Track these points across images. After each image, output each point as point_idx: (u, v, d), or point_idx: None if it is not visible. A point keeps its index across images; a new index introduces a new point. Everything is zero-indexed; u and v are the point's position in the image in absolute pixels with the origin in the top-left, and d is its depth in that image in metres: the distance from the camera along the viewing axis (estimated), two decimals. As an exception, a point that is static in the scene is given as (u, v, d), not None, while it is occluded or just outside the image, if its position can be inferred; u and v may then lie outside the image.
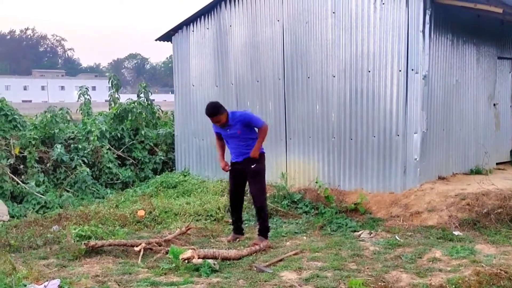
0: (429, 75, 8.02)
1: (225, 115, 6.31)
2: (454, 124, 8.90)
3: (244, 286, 4.79)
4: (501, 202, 6.99)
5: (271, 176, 9.44)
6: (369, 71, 8.31)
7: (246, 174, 6.56)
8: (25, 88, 69.63)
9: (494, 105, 9.93)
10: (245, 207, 7.42)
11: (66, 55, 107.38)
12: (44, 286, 4.61)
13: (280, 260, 5.67)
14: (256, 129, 6.47)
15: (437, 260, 5.56)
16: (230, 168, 6.60)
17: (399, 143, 8.08)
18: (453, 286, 4.55)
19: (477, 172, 9.20)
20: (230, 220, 7.13)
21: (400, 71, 7.98)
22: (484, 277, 4.72)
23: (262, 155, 6.60)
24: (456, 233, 6.61)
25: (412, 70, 7.89)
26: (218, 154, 6.76)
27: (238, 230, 6.92)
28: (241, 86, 10.11)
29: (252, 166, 6.46)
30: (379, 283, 4.68)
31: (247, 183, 6.69)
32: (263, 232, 6.54)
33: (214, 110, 6.30)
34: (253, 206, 7.06)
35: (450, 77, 8.67)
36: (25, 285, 4.34)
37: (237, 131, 6.39)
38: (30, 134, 10.34)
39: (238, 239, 6.75)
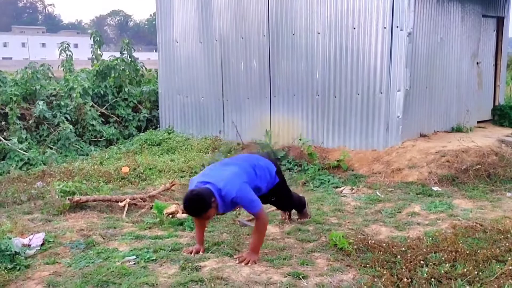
0: (414, 32, 8.01)
1: (215, 201, 4.20)
2: (437, 82, 8.96)
3: (228, 239, 4.88)
4: (480, 158, 7.15)
5: (256, 133, 9.50)
6: (354, 28, 8.27)
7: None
8: (5, 45, 67.91)
9: (477, 63, 9.99)
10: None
11: (47, 11, 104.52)
12: (29, 239, 4.66)
13: (263, 215, 5.75)
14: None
15: (416, 214, 5.72)
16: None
17: (382, 100, 8.13)
18: (430, 238, 4.68)
19: (458, 130, 9.34)
20: None
21: (385, 28, 7.95)
22: (460, 230, 4.87)
23: (277, 184, 4.92)
24: (435, 188, 6.76)
25: (397, 27, 7.86)
26: (197, 233, 4.63)
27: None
28: (226, 43, 9.99)
29: (272, 199, 5.06)
30: (359, 236, 4.80)
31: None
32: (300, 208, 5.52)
33: (198, 210, 4.21)
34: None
35: (434, 35, 8.66)
36: (10, 239, 4.37)
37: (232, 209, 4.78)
38: (11, 91, 10.17)
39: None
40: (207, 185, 4.24)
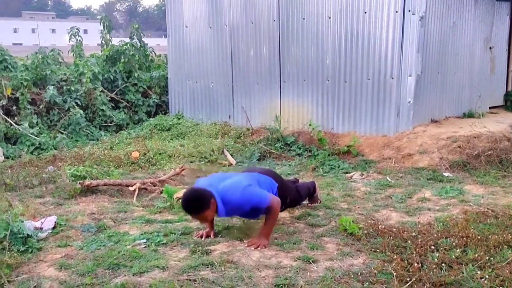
0: (426, 16, 7.90)
1: (214, 203, 4.16)
2: (449, 67, 8.86)
3: (238, 224, 4.89)
4: (492, 144, 7.08)
5: (265, 119, 9.48)
6: (365, 12, 8.17)
7: None
8: (15, 31, 68.10)
9: (490, 48, 9.86)
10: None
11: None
12: (41, 222, 4.70)
13: (273, 200, 5.74)
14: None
15: (427, 200, 5.68)
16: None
17: (393, 86, 8.06)
18: (441, 223, 4.66)
19: (470, 115, 9.25)
20: None
21: (396, 12, 7.85)
22: (471, 216, 4.84)
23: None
24: (446, 174, 6.72)
25: (409, 11, 7.75)
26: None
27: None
28: (235, 28, 9.93)
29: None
30: (369, 221, 4.79)
31: None
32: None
33: (195, 208, 4.18)
34: None
35: (447, 19, 8.54)
36: (22, 221, 4.41)
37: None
38: (22, 76, 10.22)
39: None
40: (209, 187, 4.25)
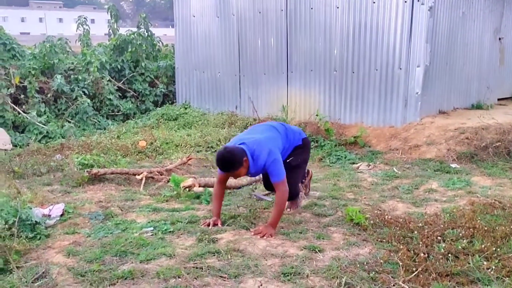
0: (435, 6, 7.84)
1: (247, 161, 4.33)
2: (458, 58, 8.80)
3: (244, 213, 4.90)
4: (500, 136, 7.04)
5: (272, 109, 9.48)
6: (374, 2, 8.11)
7: None
8: (22, 20, 68.17)
9: (500, 39, 9.77)
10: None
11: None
12: (49, 209, 4.74)
13: (279, 189, 5.75)
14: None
15: (434, 191, 5.67)
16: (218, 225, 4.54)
17: (401, 76, 8.02)
18: (448, 214, 4.65)
19: (478, 107, 9.21)
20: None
21: (405, 2, 7.79)
22: (478, 207, 4.82)
23: (299, 147, 4.90)
24: (453, 165, 6.69)
25: (418, 1, 7.70)
26: (214, 205, 4.69)
27: None
28: (243, 18, 9.89)
29: (288, 161, 4.80)
30: (375, 211, 4.79)
31: None
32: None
33: (230, 166, 4.34)
34: None
35: (456, 9, 8.47)
36: (31, 208, 4.45)
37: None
38: (30, 64, 10.24)
39: None
40: (242, 145, 4.38)
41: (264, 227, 4.33)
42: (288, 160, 4.78)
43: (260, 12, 9.60)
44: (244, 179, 6.08)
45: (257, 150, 4.37)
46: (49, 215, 4.64)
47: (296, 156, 4.86)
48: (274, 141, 4.57)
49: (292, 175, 4.68)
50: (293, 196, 4.95)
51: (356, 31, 8.37)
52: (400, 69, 8.00)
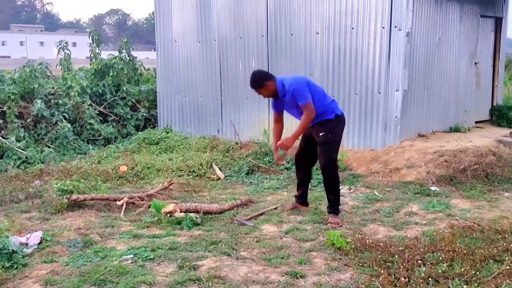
0: (412, 32, 8.02)
1: (272, 85, 5.24)
2: (435, 82, 8.96)
3: (226, 238, 4.88)
4: (478, 158, 7.15)
5: (254, 133, 9.51)
6: (353, 28, 8.27)
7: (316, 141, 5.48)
8: (3, 44, 67.84)
9: (476, 63, 10.00)
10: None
11: (45, 9, 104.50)
12: (27, 238, 4.66)
13: (261, 214, 5.76)
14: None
15: (414, 214, 5.71)
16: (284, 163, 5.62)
17: (380, 100, 8.13)
18: (428, 238, 4.68)
19: (456, 130, 9.34)
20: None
21: (383, 28, 7.95)
22: (458, 230, 4.87)
23: (331, 121, 5.39)
24: (433, 188, 6.76)
25: (396, 27, 7.86)
26: (274, 139, 5.53)
27: (299, 198, 6.01)
28: (224, 43, 9.99)
29: (320, 135, 5.34)
30: (357, 235, 4.80)
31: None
32: (331, 207, 5.57)
33: (254, 83, 5.30)
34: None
35: (432, 35, 8.67)
36: (7, 237, 4.37)
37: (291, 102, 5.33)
38: (9, 89, 10.17)
39: (296, 208, 5.93)
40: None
41: (285, 139, 5.25)
42: (320, 135, 5.34)
43: (241, 37, 9.71)
44: (226, 204, 6.07)
45: (289, 79, 5.28)
46: (27, 244, 4.57)
47: (327, 133, 5.36)
48: (314, 86, 5.36)
49: (328, 156, 5.37)
50: (331, 163, 5.42)
51: (336, 56, 8.50)
52: (380, 93, 8.12)
